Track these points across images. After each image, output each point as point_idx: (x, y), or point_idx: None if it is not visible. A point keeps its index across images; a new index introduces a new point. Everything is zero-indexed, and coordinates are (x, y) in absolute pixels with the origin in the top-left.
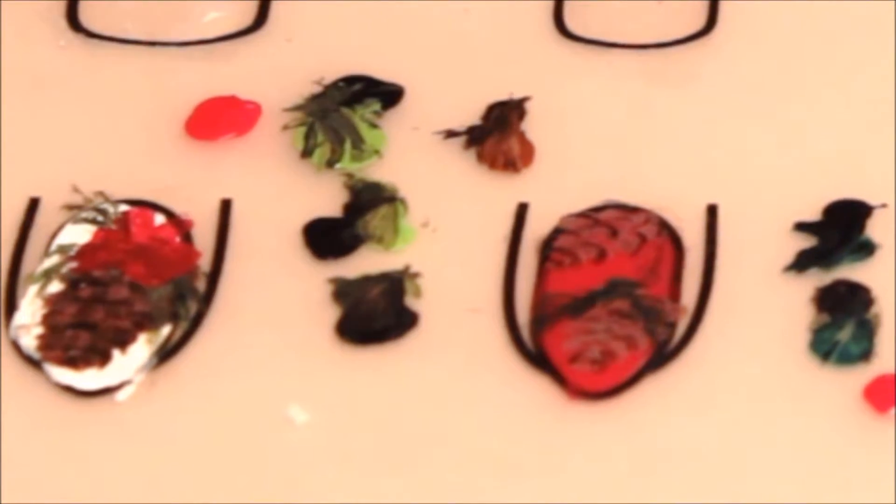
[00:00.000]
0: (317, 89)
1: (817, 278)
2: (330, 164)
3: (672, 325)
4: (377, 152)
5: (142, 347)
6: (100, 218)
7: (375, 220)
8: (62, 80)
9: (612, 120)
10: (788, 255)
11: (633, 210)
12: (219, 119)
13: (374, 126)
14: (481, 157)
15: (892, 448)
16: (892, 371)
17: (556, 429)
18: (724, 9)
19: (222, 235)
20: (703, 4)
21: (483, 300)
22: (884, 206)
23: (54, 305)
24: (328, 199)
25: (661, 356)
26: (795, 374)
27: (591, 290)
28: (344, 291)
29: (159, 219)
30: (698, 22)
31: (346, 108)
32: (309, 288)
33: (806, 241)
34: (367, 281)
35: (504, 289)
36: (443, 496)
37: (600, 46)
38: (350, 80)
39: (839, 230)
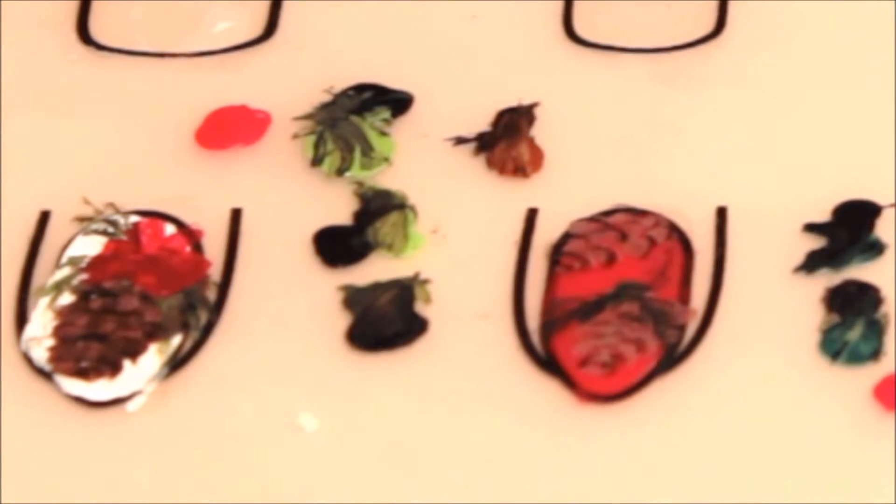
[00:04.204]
0: (326, 98)
1: (827, 278)
2: (340, 172)
3: (682, 328)
4: (387, 160)
5: (152, 358)
6: (110, 229)
7: (385, 228)
8: (73, 92)
9: (620, 124)
10: (798, 256)
11: (643, 213)
12: (229, 128)
13: (383, 134)
14: (491, 164)
15: None
16: None
17: (566, 432)
18: (733, 11)
19: (232, 245)
20: (712, 7)
21: (493, 306)
22: (893, 205)
23: (65, 317)
24: (338, 207)
25: (671, 359)
26: (805, 374)
27: (600, 293)
28: (354, 299)
29: (170, 229)
30: (707, 25)
31: (355, 116)
32: (319, 296)
33: (815, 242)
34: (377, 288)
35: (514, 294)
36: (454, 500)
37: (609, 51)
38: (359, 89)
39: (848, 230)
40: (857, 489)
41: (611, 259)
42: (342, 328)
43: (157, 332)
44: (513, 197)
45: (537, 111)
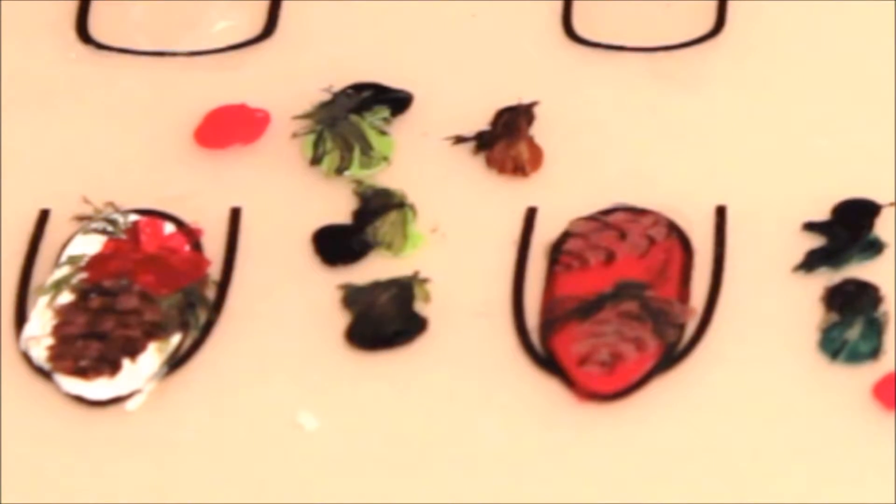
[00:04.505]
0: (326, 97)
1: (826, 277)
2: (339, 171)
3: (681, 327)
4: (386, 159)
5: (152, 356)
6: (110, 228)
7: (384, 227)
8: (72, 91)
9: (620, 123)
10: (797, 255)
11: (642, 212)
12: (228, 127)
13: (382, 133)
14: (490, 163)
15: None
16: None
17: (565, 431)
18: (732, 10)
19: (232, 244)
20: (712, 6)
21: (492, 304)
22: (892, 204)
23: (64, 316)
24: (337, 206)
25: (670, 357)
26: (804, 373)
27: (599, 292)
28: (353, 298)
29: (169, 228)
30: (706, 24)
31: (354, 115)
32: (318, 295)
33: (815, 241)
34: (377, 287)
35: (513, 293)
36: (453, 499)
37: (608, 50)
38: (359, 88)
39: (848, 229)
40: (856, 488)
41: (610, 258)
42: (341, 327)
43: (156, 331)
44: (512, 196)
45: (537, 110)
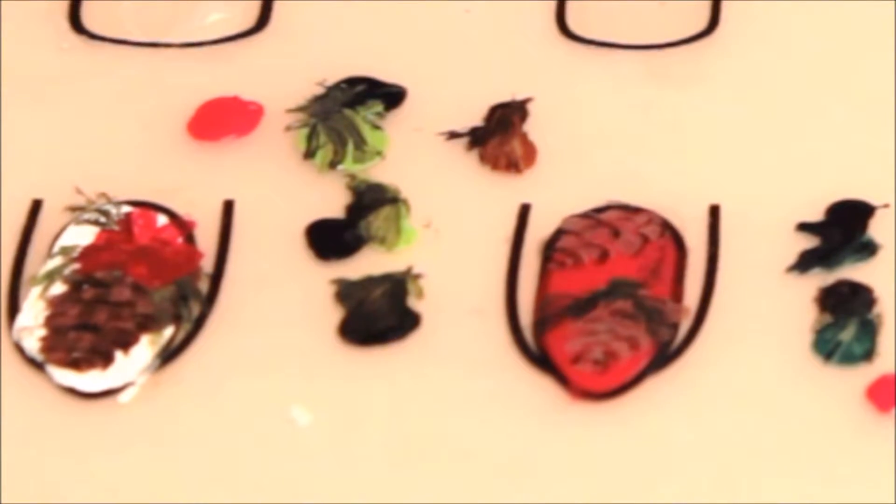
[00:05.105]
0: (319, 91)
1: (820, 278)
2: (332, 165)
3: (674, 326)
4: (379, 153)
5: (144, 349)
6: (102, 219)
7: (378, 222)
8: (64, 81)
9: (614, 120)
10: (791, 256)
11: (636, 210)
12: (221, 120)
13: (376, 127)
14: (483, 159)
15: (894, 448)
16: (895, 371)
17: (558, 430)
18: (727, 9)
19: (225, 236)
20: (706, 5)
21: (485, 301)
22: (886, 206)
23: (57, 307)
24: (330, 201)
25: (664, 357)
26: (798, 374)
27: (593, 290)
28: (346, 293)
29: (162, 220)
30: (700, 22)
31: (348, 109)
32: (311, 289)
33: (808, 242)
34: (370, 282)
35: (506, 290)
36: (446, 497)
37: (602, 47)
38: (352, 82)
39: (841, 230)
40: (850, 490)
41: (603, 256)
42: (334, 322)
43: (149, 324)
44: (505, 192)
45: (530, 106)
